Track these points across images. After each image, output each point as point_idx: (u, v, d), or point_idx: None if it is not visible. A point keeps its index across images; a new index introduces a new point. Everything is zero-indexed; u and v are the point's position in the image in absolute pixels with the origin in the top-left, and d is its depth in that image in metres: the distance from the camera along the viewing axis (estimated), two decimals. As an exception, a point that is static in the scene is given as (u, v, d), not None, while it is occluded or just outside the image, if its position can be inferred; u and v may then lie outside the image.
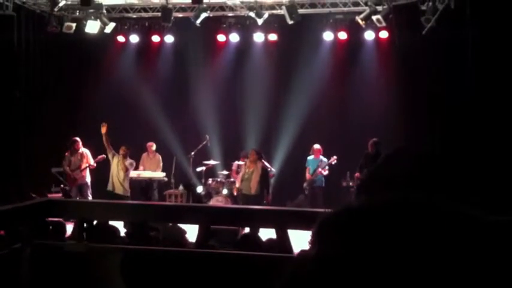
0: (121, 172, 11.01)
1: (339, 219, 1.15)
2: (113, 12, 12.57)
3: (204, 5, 11.67)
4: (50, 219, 5.45)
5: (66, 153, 11.36)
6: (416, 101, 11.10)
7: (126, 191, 11.15)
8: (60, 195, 11.86)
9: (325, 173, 11.47)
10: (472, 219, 1.08)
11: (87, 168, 11.32)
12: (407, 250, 0.99)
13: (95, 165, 11.34)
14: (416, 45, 10.74)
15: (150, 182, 11.83)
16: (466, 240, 1.04)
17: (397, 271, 0.98)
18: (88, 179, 11.35)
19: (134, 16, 12.81)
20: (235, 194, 11.35)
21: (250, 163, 10.86)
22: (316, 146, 11.57)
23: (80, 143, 11.33)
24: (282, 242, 3.60)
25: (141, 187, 11.83)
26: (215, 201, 11.37)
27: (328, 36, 12.44)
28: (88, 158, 11.32)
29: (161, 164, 12.12)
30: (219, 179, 12.00)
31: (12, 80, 11.28)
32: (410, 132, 10.84)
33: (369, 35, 12.18)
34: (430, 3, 10.71)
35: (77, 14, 12.56)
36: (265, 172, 10.80)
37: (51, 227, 5.45)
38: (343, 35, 12.33)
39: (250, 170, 10.79)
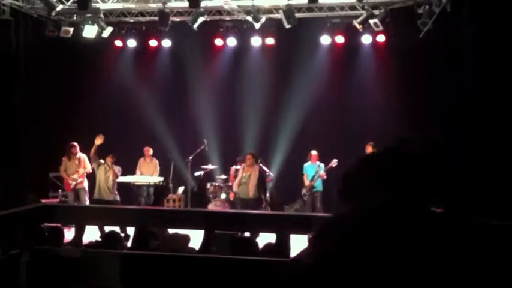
0: (110, 179, 10.88)
1: (338, 225, 1.15)
2: (110, 17, 12.57)
3: (201, 9, 11.68)
4: (48, 224, 5.44)
5: (64, 158, 11.33)
6: (415, 103, 11.12)
7: (115, 195, 11.05)
8: (58, 200, 11.86)
9: (324, 177, 11.48)
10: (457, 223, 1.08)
11: (84, 174, 11.29)
12: (402, 251, 0.99)
13: (90, 170, 11.28)
14: (414, 47, 10.76)
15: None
16: (455, 241, 1.04)
17: (390, 270, 0.98)
18: (85, 184, 11.31)
19: (131, 20, 12.80)
20: (231, 198, 11.35)
21: (247, 167, 10.86)
22: (313, 152, 11.58)
23: (78, 148, 11.30)
24: (281, 246, 3.59)
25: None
26: (213, 206, 11.37)
27: (325, 40, 12.44)
28: (85, 163, 11.28)
29: (158, 169, 12.11)
30: (217, 184, 12.00)
31: (10, 85, 11.27)
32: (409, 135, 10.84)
33: (366, 39, 12.20)
34: (427, 7, 10.76)
35: (74, 18, 12.56)
36: (262, 176, 10.80)
37: (48, 233, 5.44)
38: (340, 39, 12.35)
39: (247, 174, 10.78)
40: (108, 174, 10.85)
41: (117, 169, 11.03)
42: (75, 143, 11.30)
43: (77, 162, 11.23)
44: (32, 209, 3.70)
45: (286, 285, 1.13)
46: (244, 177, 10.81)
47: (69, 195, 11.28)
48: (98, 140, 10.81)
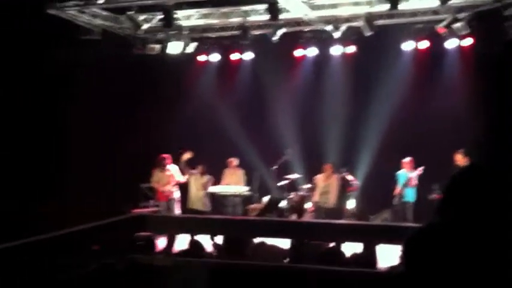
0: (200, 189, 11.28)
1: (423, 237, 1.15)
2: (194, 33, 12.95)
3: (281, 21, 11.79)
4: (141, 233, 5.67)
5: (155, 170, 11.75)
6: (503, 113, 10.62)
7: (206, 206, 11.40)
8: (149, 209, 12.31)
9: (414, 183, 11.16)
10: None
11: (176, 184, 11.67)
12: (491, 269, 0.97)
13: (185, 180, 11.63)
14: (501, 52, 10.30)
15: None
16: None
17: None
18: (177, 195, 11.68)
19: (214, 36, 13.12)
20: (312, 208, 11.34)
21: (325, 177, 10.85)
22: (405, 160, 11.34)
23: (169, 160, 11.70)
24: (368, 257, 3.56)
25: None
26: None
27: (407, 46, 12.18)
28: (176, 174, 11.66)
29: (243, 178, 12.27)
30: (300, 193, 12.00)
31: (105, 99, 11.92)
32: (495, 142, 10.35)
33: (450, 44, 11.81)
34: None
35: (160, 35, 13.06)
36: (342, 185, 10.74)
37: (141, 242, 5.68)
38: (423, 44, 12.04)
39: (327, 183, 10.76)
40: (199, 185, 11.22)
41: (207, 178, 11.34)
42: (167, 155, 11.70)
43: (168, 173, 11.63)
44: (126, 219, 3.88)
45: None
46: (324, 186, 10.79)
47: (162, 205, 11.68)
48: (187, 155, 11.24)
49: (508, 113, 10.56)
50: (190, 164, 11.47)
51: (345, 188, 10.89)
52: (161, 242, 6.24)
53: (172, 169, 11.67)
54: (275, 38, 11.94)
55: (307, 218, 11.19)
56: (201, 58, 13.64)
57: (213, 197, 11.89)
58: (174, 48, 12.56)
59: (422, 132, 11.95)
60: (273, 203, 10.96)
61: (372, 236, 3.33)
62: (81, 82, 12.32)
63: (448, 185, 1.42)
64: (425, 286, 1.07)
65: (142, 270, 3.90)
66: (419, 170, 11.09)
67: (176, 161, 11.66)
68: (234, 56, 13.44)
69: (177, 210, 11.53)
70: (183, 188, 11.80)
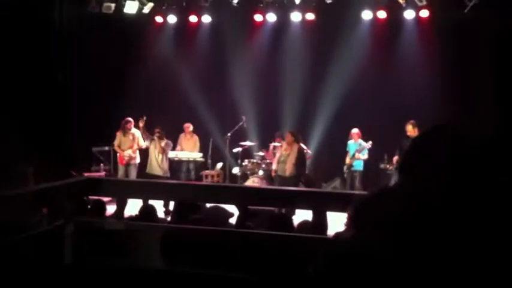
0: (158, 154, 11.18)
1: (374, 201, 1.15)
2: (151, -7, 12.63)
3: (242, -15, 11.62)
4: (90, 197, 5.59)
5: (118, 133, 11.57)
6: (459, 82, 10.86)
7: (165, 171, 11.31)
8: (100, 174, 12.15)
9: (364, 157, 11.36)
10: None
11: (138, 149, 11.54)
12: (445, 232, 0.98)
13: (146, 146, 11.49)
14: (458, 24, 10.45)
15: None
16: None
17: (433, 255, 0.97)
18: (137, 161, 11.58)
19: (172, -4, 12.84)
20: (273, 175, 11.41)
21: (286, 145, 10.86)
22: (354, 130, 11.48)
23: (132, 124, 11.52)
24: (318, 223, 3.62)
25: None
26: (251, 182, 11.46)
27: (367, 15, 12.24)
28: (139, 139, 11.51)
29: (198, 145, 12.24)
30: (255, 161, 12.06)
31: (54, 61, 11.52)
32: (452, 113, 10.60)
33: (409, 14, 11.93)
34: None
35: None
36: (301, 154, 10.78)
37: (91, 205, 5.61)
38: (382, 14, 12.11)
39: (286, 152, 10.79)
40: (157, 150, 11.12)
41: (164, 143, 11.23)
42: (130, 119, 11.51)
43: (131, 137, 11.47)
44: (76, 182, 3.81)
45: (327, 263, 1.14)
46: (283, 155, 10.82)
47: (121, 169, 11.55)
48: (141, 123, 11.09)
49: (464, 83, 10.79)
50: (149, 129, 11.33)
51: (304, 157, 10.96)
52: (112, 206, 6.18)
53: (136, 134, 11.51)
54: (235, 1, 11.78)
55: (257, 184, 11.27)
56: (159, 19, 13.35)
57: (169, 162, 11.81)
58: (131, 7, 12.23)
59: (379, 102, 12.12)
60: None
61: (321, 203, 3.37)
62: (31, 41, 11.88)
63: (409, 148, 1.41)
64: (379, 252, 1.06)
65: (92, 233, 3.86)
66: (368, 144, 11.26)
67: (136, 127, 11.53)
68: (193, 19, 13.20)
69: (135, 176, 11.43)
70: (144, 153, 11.67)
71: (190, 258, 3.06)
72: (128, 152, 11.41)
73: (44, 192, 3.56)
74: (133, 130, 11.53)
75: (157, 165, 11.22)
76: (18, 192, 3.23)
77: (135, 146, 11.49)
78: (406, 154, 1.42)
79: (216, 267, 2.82)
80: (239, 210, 3.77)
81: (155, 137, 11.18)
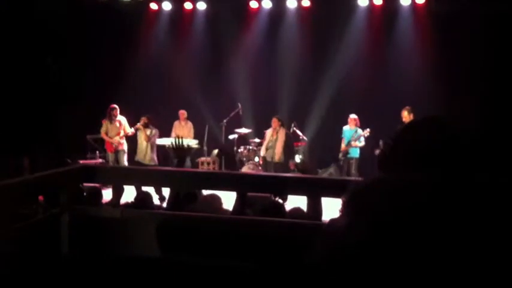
0: (144, 142, 11.12)
1: (369, 189, 1.15)
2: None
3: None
4: (86, 184, 5.59)
5: (104, 120, 11.55)
6: (456, 69, 10.86)
7: (151, 159, 11.21)
8: (96, 161, 12.14)
9: (360, 144, 11.36)
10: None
11: (124, 136, 11.52)
12: (437, 221, 0.99)
13: (132, 133, 11.46)
14: (454, 11, 10.44)
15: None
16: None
17: (426, 242, 0.98)
18: (125, 147, 11.56)
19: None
20: (260, 162, 11.42)
21: (273, 131, 10.88)
22: (352, 116, 11.47)
23: (118, 111, 11.49)
24: (313, 210, 3.64)
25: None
26: (246, 169, 11.48)
27: (362, 2, 12.20)
28: (125, 126, 11.49)
29: (193, 131, 12.22)
30: (250, 147, 12.07)
31: (45, 46, 11.47)
32: (448, 101, 10.61)
33: (404, 1, 11.91)
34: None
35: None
36: (288, 138, 10.78)
37: (87, 193, 5.61)
38: (378, 1, 12.09)
39: (273, 138, 10.81)
40: (142, 138, 11.08)
41: (149, 131, 11.13)
42: (116, 106, 11.48)
43: (117, 124, 11.45)
44: (72, 170, 3.80)
45: (320, 254, 1.14)
46: (271, 141, 10.84)
47: (110, 156, 11.54)
48: (141, 122, 11.06)
49: (460, 70, 10.79)
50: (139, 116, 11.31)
51: (291, 143, 10.95)
52: (108, 194, 6.19)
53: (122, 120, 11.49)
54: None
55: (252, 171, 11.28)
56: (153, 6, 13.28)
57: (162, 149, 11.78)
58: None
59: (375, 88, 12.12)
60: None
61: (315, 189, 3.38)
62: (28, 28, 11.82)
63: (398, 134, 1.40)
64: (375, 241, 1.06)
65: (89, 221, 3.87)
66: (366, 132, 11.25)
67: (127, 111, 11.48)
68: (188, 6, 13.14)
69: (126, 162, 11.42)
70: (132, 140, 11.64)
71: (187, 246, 3.08)
72: (116, 139, 11.40)
73: (39, 180, 3.56)
74: (120, 117, 11.50)
75: (143, 153, 11.14)
76: (13, 182, 3.23)
77: (122, 133, 11.46)
78: (390, 146, 1.40)
79: (215, 256, 2.84)
80: (237, 197, 3.78)
81: (140, 126, 11.10)
